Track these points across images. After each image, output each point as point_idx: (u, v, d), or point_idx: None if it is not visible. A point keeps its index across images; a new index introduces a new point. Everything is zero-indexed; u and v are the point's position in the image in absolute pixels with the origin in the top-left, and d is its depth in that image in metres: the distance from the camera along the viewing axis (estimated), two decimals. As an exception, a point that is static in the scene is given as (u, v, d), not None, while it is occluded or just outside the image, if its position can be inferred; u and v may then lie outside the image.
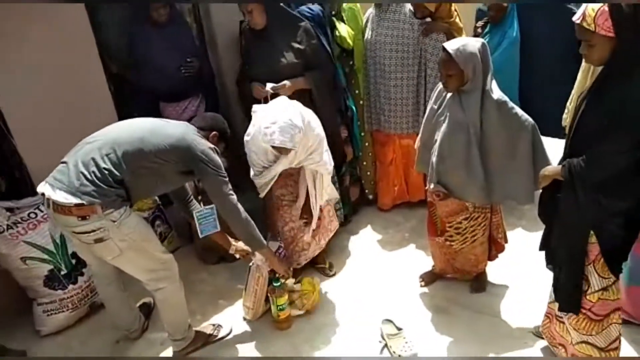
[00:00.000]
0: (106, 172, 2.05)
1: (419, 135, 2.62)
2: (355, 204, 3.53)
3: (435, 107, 2.45)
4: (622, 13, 1.60)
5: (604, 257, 1.87)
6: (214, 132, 2.39)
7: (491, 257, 2.71)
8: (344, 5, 3.20)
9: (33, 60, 2.64)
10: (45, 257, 2.66)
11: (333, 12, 3.15)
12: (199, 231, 2.39)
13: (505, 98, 2.26)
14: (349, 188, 3.36)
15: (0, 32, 2.50)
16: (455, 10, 3.08)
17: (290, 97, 2.72)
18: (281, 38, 2.76)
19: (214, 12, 3.41)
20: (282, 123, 2.30)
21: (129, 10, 3.19)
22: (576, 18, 1.70)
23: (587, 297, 1.96)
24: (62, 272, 2.71)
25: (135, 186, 2.14)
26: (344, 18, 3.20)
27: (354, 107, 3.28)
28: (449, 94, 2.34)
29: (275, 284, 2.55)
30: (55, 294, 2.69)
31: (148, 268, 2.26)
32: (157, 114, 3.31)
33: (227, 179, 2.27)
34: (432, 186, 2.46)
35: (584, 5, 1.68)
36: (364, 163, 3.54)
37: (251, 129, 2.53)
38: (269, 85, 2.74)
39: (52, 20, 2.67)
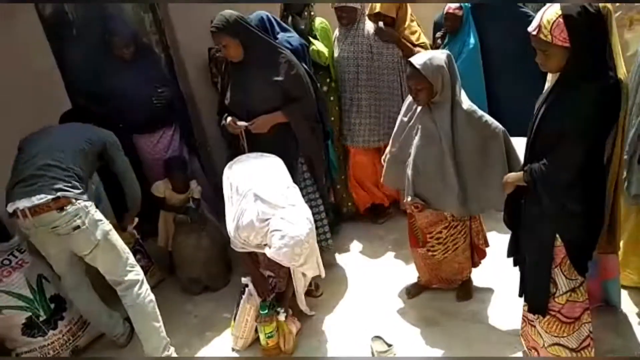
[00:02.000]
0: (64, 174, 2.33)
1: (388, 148, 2.62)
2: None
3: (406, 119, 2.46)
4: (577, 23, 1.61)
5: (570, 259, 1.89)
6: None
7: (474, 264, 2.71)
8: (316, 24, 3.23)
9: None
10: (22, 304, 2.57)
11: (306, 31, 3.19)
12: None
13: (474, 107, 2.28)
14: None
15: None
16: (418, 24, 3.13)
17: (269, 130, 2.69)
18: (259, 70, 2.65)
19: (182, 41, 3.42)
20: (294, 240, 2.20)
21: (95, 45, 3.17)
22: (532, 29, 1.71)
23: (556, 299, 1.97)
24: (41, 318, 2.62)
25: (85, 173, 2.45)
26: (317, 37, 3.23)
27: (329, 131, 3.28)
28: (419, 107, 2.36)
29: (262, 312, 2.51)
30: (35, 342, 2.60)
31: (122, 260, 2.45)
32: (131, 146, 3.28)
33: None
34: (409, 199, 2.46)
35: (537, 15, 1.70)
36: (342, 177, 3.54)
37: (253, 217, 2.30)
38: (241, 123, 2.67)
39: (16, 58, 2.66)
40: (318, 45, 3.15)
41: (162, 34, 3.49)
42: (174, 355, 2.52)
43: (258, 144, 2.71)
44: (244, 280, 2.62)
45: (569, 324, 2.00)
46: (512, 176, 2.00)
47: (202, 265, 3.06)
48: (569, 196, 1.79)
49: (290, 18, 3.17)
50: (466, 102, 2.27)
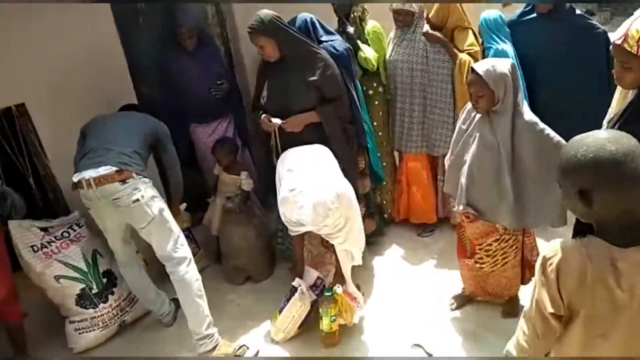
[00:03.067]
0: (127, 150, 2.47)
1: (448, 155, 2.58)
2: (372, 235, 3.36)
3: (464, 127, 2.41)
4: None
5: None
6: None
7: (525, 281, 2.62)
8: (368, 28, 3.20)
9: (66, 84, 2.73)
10: (77, 275, 2.72)
11: (356, 35, 3.17)
12: None
13: (536, 119, 2.21)
14: (363, 221, 3.24)
15: (40, 62, 2.62)
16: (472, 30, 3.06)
17: (302, 130, 2.69)
18: (296, 71, 2.65)
19: (242, 34, 3.46)
20: (316, 200, 2.25)
21: (160, 35, 3.28)
22: (617, 38, 1.59)
23: None
24: (94, 291, 2.75)
25: (145, 155, 2.59)
26: (368, 41, 3.20)
27: (369, 139, 3.21)
28: (478, 115, 2.31)
29: (327, 294, 2.54)
30: (87, 313, 2.74)
31: (174, 236, 2.56)
32: (187, 134, 3.38)
33: None
34: (460, 207, 2.41)
35: (624, 25, 1.59)
36: (388, 182, 3.49)
37: (284, 190, 2.40)
38: (275, 121, 2.69)
39: (85, 44, 2.77)
40: (366, 51, 3.11)
41: (223, 26, 3.56)
42: (217, 334, 2.58)
43: (290, 142, 2.71)
44: (295, 282, 2.64)
45: None
46: None
47: (247, 255, 3.12)
48: None
49: (339, 22, 3.15)
50: (528, 113, 2.20)
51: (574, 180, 1.18)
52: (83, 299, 2.73)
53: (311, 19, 2.87)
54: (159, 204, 2.52)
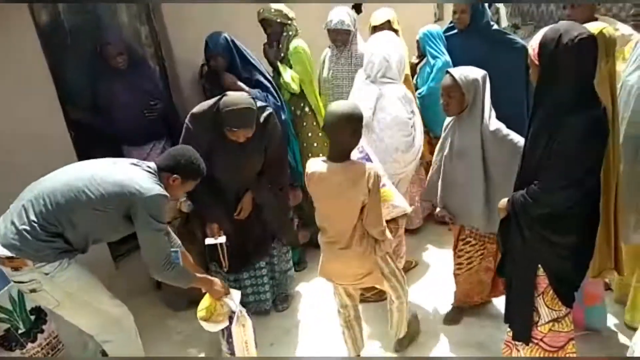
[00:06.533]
0: (37, 226, 2.05)
1: (432, 164, 2.66)
2: (305, 247, 3.46)
3: (444, 134, 2.52)
4: (546, 42, 1.65)
5: (554, 290, 1.88)
6: (175, 176, 2.22)
7: (497, 293, 2.70)
8: (291, 49, 3.21)
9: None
10: (2, 315, 2.51)
11: (279, 57, 3.19)
12: None
13: (500, 125, 2.31)
14: (297, 232, 3.27)
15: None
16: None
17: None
18: (254, 141, 2.55)
19: (177, 55, 3.42)
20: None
21: (89, 54, 3.16)
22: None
23: (538, 328, 1.96)
24: (20, 331, 2.54)
25: (77, 236, 2.12)
26: (290, 62, 3.22)
27: (298, 153, 3.30)
28: (453, 123, 2.41)
29: None
30: (13, 355, 2.53)
31: (92, 322, 2.28)
32: (121, 157, 3.24)
33: (162, 228, 2.16)
34: (438, 210, 2.53)
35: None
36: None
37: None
38: (221, 239, 2.71)
39: (10, 68, 2.62)
40: (286, 76, 3.15)
41: (157, 46, 3.49)
42: None
43: (245, 231, 2.74)
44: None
45: (552, 353, 1.99)
46: (503, 202, 2.00)
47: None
48: (550, 228, 1.77)
49: (268, 38, 3.18)
50: (494, 122, 2.31)
51: (341, 127, 2.03)
52: (8, 340, 2.50)
53: (232, 40, 2.91)
54: (66, 290, 2.15)
